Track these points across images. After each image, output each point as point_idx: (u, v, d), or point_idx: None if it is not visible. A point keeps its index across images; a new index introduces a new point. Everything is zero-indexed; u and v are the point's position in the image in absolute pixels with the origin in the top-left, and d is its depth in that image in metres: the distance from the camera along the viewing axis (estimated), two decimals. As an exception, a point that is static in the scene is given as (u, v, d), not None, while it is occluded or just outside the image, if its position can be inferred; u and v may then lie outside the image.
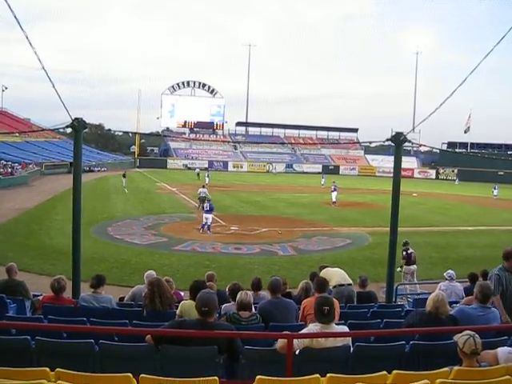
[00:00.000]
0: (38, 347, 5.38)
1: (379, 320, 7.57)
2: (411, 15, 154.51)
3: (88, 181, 44.03)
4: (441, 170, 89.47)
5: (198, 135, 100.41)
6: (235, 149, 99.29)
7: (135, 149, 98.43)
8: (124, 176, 46.58)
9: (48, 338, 5.48)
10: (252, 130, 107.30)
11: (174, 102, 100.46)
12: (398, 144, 10.29)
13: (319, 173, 76.77)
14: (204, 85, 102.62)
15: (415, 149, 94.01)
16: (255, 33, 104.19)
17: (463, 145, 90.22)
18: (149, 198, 38.78)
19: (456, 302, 8.85)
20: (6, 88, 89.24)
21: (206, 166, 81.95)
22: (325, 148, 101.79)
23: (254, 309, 7.01)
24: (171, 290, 8.19)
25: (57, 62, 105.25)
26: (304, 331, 5.62)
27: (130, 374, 4.36)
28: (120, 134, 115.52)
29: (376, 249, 19.98)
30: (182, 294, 9.29)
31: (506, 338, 5.90)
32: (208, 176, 50.91)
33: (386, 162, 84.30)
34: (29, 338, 5.41)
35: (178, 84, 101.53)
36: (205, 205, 24.36)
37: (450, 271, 10.89)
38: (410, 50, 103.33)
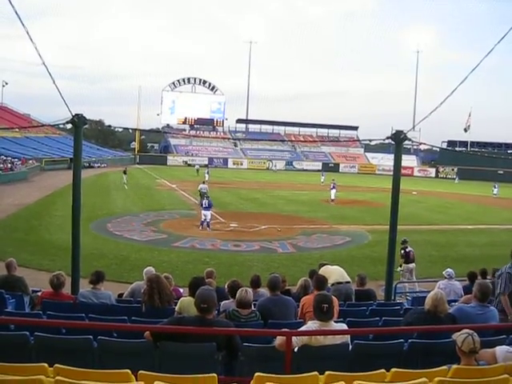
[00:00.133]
0: (37, 343, 5.38)
1: (378, 318, 7.59)
2: (412, 13, 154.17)
3: (88, 177, 44.03)
4: (441, 169, 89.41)
5: (198, 132, 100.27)
6: (235, 146, 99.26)
7: (135, 145, 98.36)
8: (125, 172, 46.63)
9: (47, 333, 5.48)
10: (252, 127, 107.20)
11: (175, 99, 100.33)
12: (398, 142, 10.30)
13: (319, 170, 76.69)
14: (204, 81, 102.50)
15: (415, 147, 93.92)
16: (256, 30, 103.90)
17: (463, 143, 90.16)
18: (148, 195, 38.78)
19: (455, 301, 8.86)
20: (7, 83, 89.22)
21: (206, 162, 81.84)
22: (325, 146, 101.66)
23: (253, 306, 7.02)
24: (170, 287, 8.19)
25: (57, 58, 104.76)
26: (303, 329, 5.62)
27: (128, 371, 4.37)
28: (120, 130, 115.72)
29: (375, 247, 19.99)
30: (181, 290, 9.29)
31: (504, 336, 5.90)
32: (208, 173, 50.91)
33: (385, 160, 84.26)
34: (27, 333, 5.42)
35: (178, 80, 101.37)
36: (203, 202, 24.33)
37: (449, 270, 10.89)
38: (411, 49, 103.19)
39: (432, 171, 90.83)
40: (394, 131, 10.47)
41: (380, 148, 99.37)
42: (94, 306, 7.75)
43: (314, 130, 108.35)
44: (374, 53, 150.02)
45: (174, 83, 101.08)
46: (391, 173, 10.99)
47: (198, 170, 61.99)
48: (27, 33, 8.20)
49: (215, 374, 4.42)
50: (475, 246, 22.20)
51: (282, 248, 20.63)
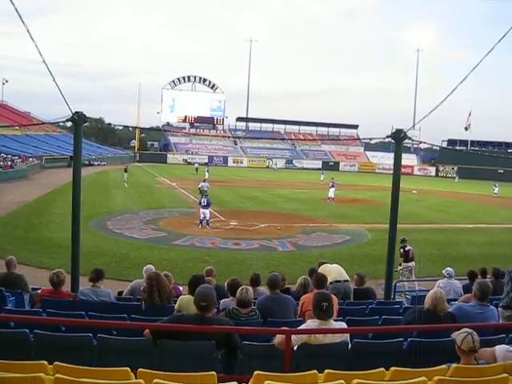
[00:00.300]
0: (37, 340, 5.38)
1: (377, 317, 7.58)
2: (413, 11, 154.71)
3: (88, 175, 44.03)
4: (441, 168, 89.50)
5: (198, 130, 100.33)
6: (235, 144, 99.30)
7: (135, 143, 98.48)
8: (126, 170, 46.64)
9: (46, 331, 5.49)
10: (252, 126, 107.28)
11: (175, 97, 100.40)
12: (398, 141, 10.29)
13: (319, 169, 76.77)
14: (205, 80, 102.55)
15: (415, 146, 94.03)
16: (257, 28, 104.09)
17: (463, 142, 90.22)
18: (148, 193, 38.79)
19: (454, 300, 8.87)
20: (7, 81, 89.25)
21: (206, 160, 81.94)
22: (325, 144, 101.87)
23: (252, 304, 7.02)
24: (170, 285, 8.19)
25: (57, 56, 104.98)
26: (302, 327, 5.62)
27: (128, 368, 4.37)
28: (120, 128, 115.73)
29: (375, 245, 19.98)
30: (181, 288, 9.29)
31: (503, 335, 5.90)
32: (208, 171, 50.88)
33: (385, 159, 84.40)
34: (27, 331, 5.42)
35: (178, 79, 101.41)
36: (202, 200, 24.32)
37: (448, 269, 10.89)
38: (411, 47, 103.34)
39: (432, 170, 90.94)
40: (394, 130, 10.44)
41: (380, 147, 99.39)
42: (93, 303, 7.75)
43: (314, 128, 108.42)
44: (374, 51, 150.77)
45: (174, 81, 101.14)
46: (391, 171, 10.98)
47: (197, 169, 62.06)
48: (27, 31, 8.19)
49: (214, 372, 4.42)
50: (475, 244, 22.20)
51: (281, 246, 20.62)
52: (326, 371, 4.60)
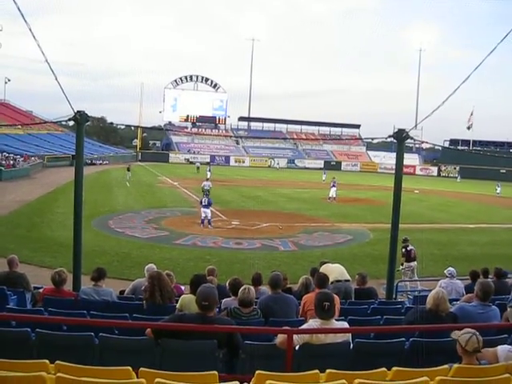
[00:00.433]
0: (38, 339, 5.38)
1: (379, 316, 7.58)
2: (415, 11, 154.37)
3: (90, 174, 43.99)
4: (443, 167, 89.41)
5: (200, 129, 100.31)
6: (237, 143, 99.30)
7: (137, 142, 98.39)
8: (128, 170, 46.64)
9: (48, 330, 5.49)
10: (254, 125, 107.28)
11: (177, 96, 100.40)
12: (400, 141, 10.28)
13: (321, 168, 76.67)
14: (207, 79, 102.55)
15: (417, 146, 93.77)
16: (258, 28, 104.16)
17: (465, 142, 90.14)
18: (150, 192, 38.80)
19: (456, 300, 8.85)
20: (9, 80, 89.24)
21: (208, 160, 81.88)
22: (327, 144, 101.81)
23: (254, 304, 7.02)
24: (172, 284, 8.19)
25: (60, 55, 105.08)
26: (304, 327, 5.62)
27: (129, 368, 4.37)
28: (122, 127, 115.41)
29: (377, 245, 19.95)
30: (183, 287, 9.29)
31: (506, 336, 5.89)
32: (210, 170, 50.84)
33: (387, 159, 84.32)
34: (29, 330, 5.42)
35: (180, 78, 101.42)
36: (203, 199, 24.31)
37: (450, 268, 10.88)
38: (413, 47, 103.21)
39: (434, 170, 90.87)
40: (396, 129, 10.44)
41: (382, 146, 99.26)
42: (95, 302, 7.76)
43: (316, 128, 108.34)
44: (376, 51, 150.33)
45: (176, 81, 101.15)
46: (393, 171, 10.98)
47: (198, 168, 62.11)
48: (30, 30, 8.20)
49: (216, 372, 4.42)
50: (477, 244, 22.16)
51: (283, 246, 20.61)
52: (328, 371, 4.60)
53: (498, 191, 49.93)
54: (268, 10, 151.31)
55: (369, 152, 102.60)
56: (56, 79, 9.12)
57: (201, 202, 24.44)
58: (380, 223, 23.78)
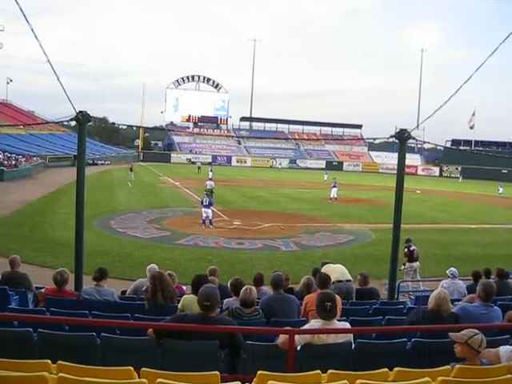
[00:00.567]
0: (40, 339, 5.39)
1: (381, 317, 7.57)
2: (416, 11, 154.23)
3: (91, 174, 44.09)
4: (444, 168, 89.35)
5: (202, 130, 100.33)
6: (239, 144, 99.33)
7: (139, 142, 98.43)
8: (131, 170, 46.68)
9: (50, 330, 5.50)
10: (256, 125, 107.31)
11: (179, 96, 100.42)
12: (402, 141, 10.28)
13: (323, 169, 76.66)
14: (209, 79, 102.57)
15: (419, 146, 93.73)
16: (260, 28, 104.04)
17: (467, 142, 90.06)
18: (152, 192, 38.83)
19: (458, 300, 8.85)
20: (11, 80, 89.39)
21: (210, 160, 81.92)
22: (328, 144, 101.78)
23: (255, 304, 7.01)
24: (173, 284, 8.19)
25: (61, 55, 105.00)
26: (306, 327, 5.62)
27: (131, 368, 4.37)
28: (124, 127, 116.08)
29: (379, 245, 19.95)
30: (184, 288, 9.29)
31: (508, 336, 5.88)
32: (211, 170, 50.80)
33: (389, 159, 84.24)
34: (31, 330, 5.42)
35: (182, 78, 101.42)
36: (203, 199, 24.32)
37: (452, 269, 10.87)
38: (415, 47, 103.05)
39: (436, 170, 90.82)
40: (397, 130, 10.44)
41: (384, 146, 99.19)
42: (97, 302, 7.76)
43: (318, 128, 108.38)
44: (377, 51, 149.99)
45: (177, 81, 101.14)
46: (395, 171, 10.97)
47: (199, 168, 62.15)
48: (32, 30, 8.21)
49: (218, 372, 4.42)
50: (479, 245, 22.14)
51: (285, 246, 20.61)
52: (330, 371, 4.60)
53: (500, 191, 49.92)
54: (270, 11, 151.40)
55: (371, 152, 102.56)
56: (58, 80, 9.12)
57: (202, 202, 24.46)
58: (382, 223, 23.78)
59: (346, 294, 9.10)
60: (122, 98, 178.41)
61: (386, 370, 4.72)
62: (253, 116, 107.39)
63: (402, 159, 10.55)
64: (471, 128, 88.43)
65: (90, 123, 10.74)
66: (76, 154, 10.62)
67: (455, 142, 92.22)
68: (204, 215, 23.85)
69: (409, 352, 5.68)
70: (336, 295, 6.14)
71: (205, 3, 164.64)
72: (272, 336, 5.91)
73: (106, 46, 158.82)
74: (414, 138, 10.55)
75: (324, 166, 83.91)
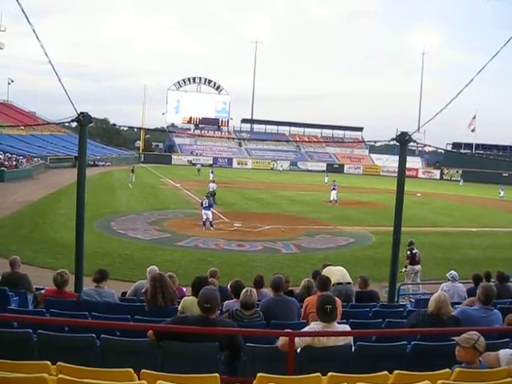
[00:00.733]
0: (40, 341, 5.39)
1: (381, 320, 7.57)
2: (418, 15, 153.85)
3: (92, 175, 44.09)
4: (445, 171, 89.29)
5: (203, 131, 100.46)
6: (240, 146, 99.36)
7: (140, 144, 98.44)
8: (133, 171, 46.74)
9: (50, 331, 5.50)
10: (257, 127, 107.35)
11: (180, 98, 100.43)
12: (402, 144, 10.28)
13: (323, 171, 76.65)
14: (210, 81, 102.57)
15: (420, 149, 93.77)
16: (262, 30, 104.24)
17: (468, 146, 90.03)
18: (153, 194, 38.84)
19: (458, 303, 8.85)
20: (13, 81, 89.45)
21: (211, 162, 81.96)
22: (329, 146, 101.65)
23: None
24: (174, 286, 8.18)
25: (63, 56, 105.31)
26: (306, 329, 5.61)
27: (131, 370, 4.37)
28: (125, 128, 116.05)
29: (379, 248, 19.94)
30: (185, 289, 9.29)
31: (508, 340, 5.88)
32: (212, 172, 50.80)
33: (390, 162, 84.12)
34: (30, 331, 5.42)
35: (183, 80, 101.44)
36: (203, 201, 24.31)
37: (452, 272, 10.86)
38: (416, 50, 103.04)
39: (437, 173, 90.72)
40: (398, 132, 10.46)
41: (385, 149, 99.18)
42: (97, 304, 7.76)
43: (319, 130, 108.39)
44: (379, 54, 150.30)
45: (179, 82, 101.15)
46: (396, 174, 10.97)
47: (199, 170, 62.13)
48: (33, 30, 8.23)
49: (218, 374, 4.42)
50: (479, 248, 22.13)
51: (285, 248, 20.60)
52: (330, 374, 4.59)
53: (501, 195, 49.86)
54: (271, 13, 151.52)
55: (371, 155, 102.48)
56: (59, 80, 9.15)
57: (201, 204, 24.45)
58: (382, 226, 23.77)
59: (345, 296, 9.09)
60: (123, 99, 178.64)
61: (385, 372, 4.72)
62: (254, 118, 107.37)
63: (402, 162, 10.55)
64: (472, 131, 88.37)
65: (91, 124, 10.75)
66: (77, 155, 10.65)
67: (456, 145, 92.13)
68: (204, 217, 23.84)
69: (409, 355, 5.68)
70: (336, 298, 6.13)
71: (206, 4, 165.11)
72: (272, 338, 5.91)
73: (107, 47, 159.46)
74: (414, 141, 10.58)
75: (325, 169, 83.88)
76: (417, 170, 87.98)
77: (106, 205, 30.04)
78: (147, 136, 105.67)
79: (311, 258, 18.64)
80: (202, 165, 68.45)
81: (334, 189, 37.96)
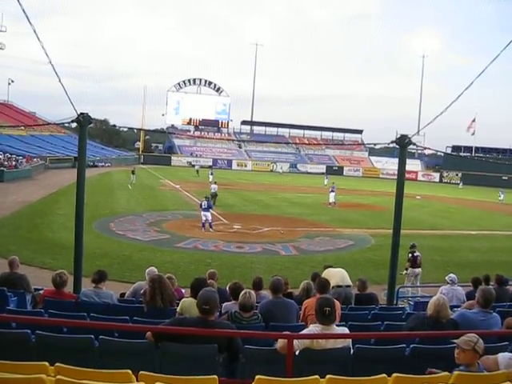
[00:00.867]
0: (38, 341, 5.38)
1: (380, 322, 7.56)
2: (418, 18, 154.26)
3: (92, 176, 44.07)
4: (445, 174, 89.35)
5: (202, 133, 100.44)
6: (240, 147, 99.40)
7: (140, 145, 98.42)
8: (133, 172, 46.73)
9: (48, 332, 5.49)
10: (257, 129, 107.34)
11: (180, 99, 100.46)
12: (402, 146, 10.28)
13: (323, 173, 76.64)
14: (210, 83, 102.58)
15: (419, 152, 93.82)
16: (262, 32, 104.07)
17: (468, 148, 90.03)
18: (152, 195, 38.81)
19: (457, 306, 8.84)
20: (13, 81, 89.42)
21: (211, 163, 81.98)
22: (329, 149, 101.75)
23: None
24: (173, 287, 8.17)
25: (63, 57, 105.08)
26: (304, 332, 5.61)
27: (129, 371, 4.36)
28: (125, 129, 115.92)
29: (378, 251, 19.94)
30: (183, 291, 9.29)
31: (506, 343, 5.87)
32: (212, 174, 50.78)
33: (390, 164, 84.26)
34: (29, 331, 5.42)
35: (183, 81, 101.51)
36: (202, 203, 24.29)
37: (451, 275, 10.86)
38: (416, 53, 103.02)
39: (436, 176, 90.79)
40: (398, 135, 10.45)
41: (384, 152, 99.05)
42: (95, 305, 7.76)
43: (319, 132, 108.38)
44: (379, 56, 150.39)
45: (179, 84, 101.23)
46: (395, 177, 10.98)
47: (198, 171, 62.10)
48: (34, 31, 8.24)
49: (216, 376, 4.42)
50: (478, 251, 22.14)
51: (284, 250, 20.59)
52: (328, 376, 4.58)
53: (501, 198, 49.90)
54: (271, 15, 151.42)
55: (371, 157, 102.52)
56: (60, 81, 9.15)
57: (200, 206, 24.44)
58: (381, 229, 23.78)
59: (344, 299, 9.09)
60: (123, 100, 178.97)
61: (384, 375, 4.71)
62: (254, 120, 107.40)
63: (402, 165, 10.56)
64: (472, 134, 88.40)
65: (91, 125, 10.77)
66: (76, 155, 10.65)
67: (456, 148, 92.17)
68: (203, 218, 23.83)
69: (407, 358, 5.67)
70: (335, 300, 6.12)
71: (206, 6, 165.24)
72: (271, 340, 5.90)
73: (108, 48, 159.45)
74: (414, 144, 10.57)
75: (324, 171, 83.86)
76: (416, 172, 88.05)
77: (105, 206, 30.04)
78: (147, 137, 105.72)
79: (310, 260, 18.64)
80: (202, 166, 68.44)
81: (332, 191, 38.01)
